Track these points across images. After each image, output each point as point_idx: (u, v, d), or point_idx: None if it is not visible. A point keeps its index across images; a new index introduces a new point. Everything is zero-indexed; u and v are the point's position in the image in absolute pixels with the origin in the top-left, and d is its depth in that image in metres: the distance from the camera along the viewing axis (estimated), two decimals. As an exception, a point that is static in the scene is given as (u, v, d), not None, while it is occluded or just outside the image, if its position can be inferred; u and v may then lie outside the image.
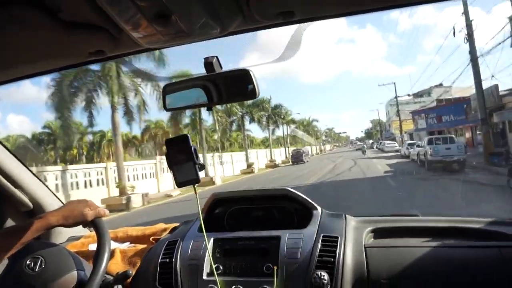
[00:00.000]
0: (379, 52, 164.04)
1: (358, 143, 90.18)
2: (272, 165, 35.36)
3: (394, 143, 42.25)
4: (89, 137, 39.96)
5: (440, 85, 42.06)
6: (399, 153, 31.42)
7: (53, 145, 36.30)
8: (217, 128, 29.55)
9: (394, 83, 45.83)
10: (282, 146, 58.16)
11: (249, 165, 31.45)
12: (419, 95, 52.13)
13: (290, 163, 36.62)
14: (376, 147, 56.04)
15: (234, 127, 36.36)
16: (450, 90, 42.62)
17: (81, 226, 1.20)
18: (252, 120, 36.64)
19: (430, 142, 17.92)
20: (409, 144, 26.42)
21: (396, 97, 43.07)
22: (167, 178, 21.06)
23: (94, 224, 1.19)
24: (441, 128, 30.18)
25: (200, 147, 22.87)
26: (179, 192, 17.35)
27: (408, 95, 46.99)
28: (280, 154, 49.80)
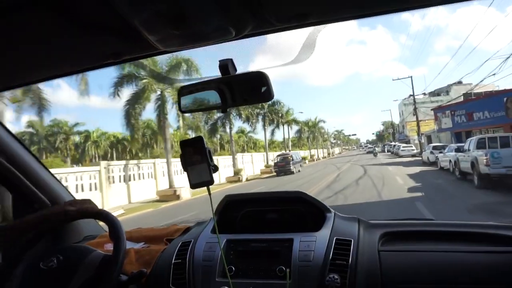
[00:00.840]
0: (390, 54, 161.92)
1: (369, 146, 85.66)
2: (236, 179, 25.36)
3: (411, 147, 37.72)
4: (74, 137, 39.23)
5: (460, 82, 36.92)
6: (418, 158, 26.92)
7: (37, 146, 34.90)
8: (202, 126, 25.16)
9: (411, 77, 37.55)
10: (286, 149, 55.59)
11: (237, 172, 26.20)
12: (436, 93, 47.58)
13: (274, 173, 27.19)
14: (388, 151, 52.12)
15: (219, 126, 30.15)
16: (472, 88, 38.36)
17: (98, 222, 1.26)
18: (239, 117, 30.67)
19: (481, 145, 11.72)
20: (435, 148, 20.79)
21: (413, 94, 36.73)
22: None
23: (101, 215, 1.25)
24: (471, 128, 24.24)
25: (164, 150, 20.86)
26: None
27: (424, 93, 42.04)
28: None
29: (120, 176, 18.28)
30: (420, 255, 1.32)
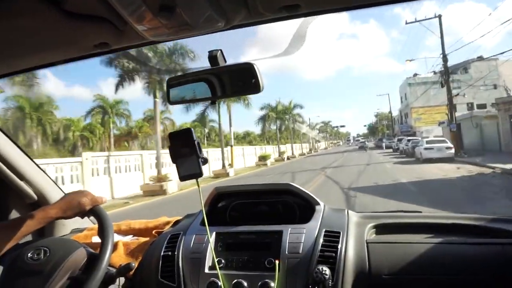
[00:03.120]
0: (382, 49, 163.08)
1: (361, 140, 74.15)
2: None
3: (445, 141, 21.66)
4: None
5: (480, 58, 27.06)
6: (457, 166, 16.51)
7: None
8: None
9: (440, 16, 23.92)
10: (273, 143, 49.83)
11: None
12: (450, 71, 29.03)
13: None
14: (389, 147, 39.91)
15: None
16: (496, 65, 33.63)
17: (85, 218, 1.22)
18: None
19: None
20: None
21: (443, 52, 23.34)
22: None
23: (93, 211, 1.23)
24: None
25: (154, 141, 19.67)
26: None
27: (434, 72, 28.60)
28: (273, 152, 41.57)
29: (104, 168, 17.63)
30: (409, 246, 1.34)
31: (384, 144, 44.80)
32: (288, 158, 41.81)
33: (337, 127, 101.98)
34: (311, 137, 71.53)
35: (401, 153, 29.55)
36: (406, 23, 28.35)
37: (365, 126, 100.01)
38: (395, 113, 60.39)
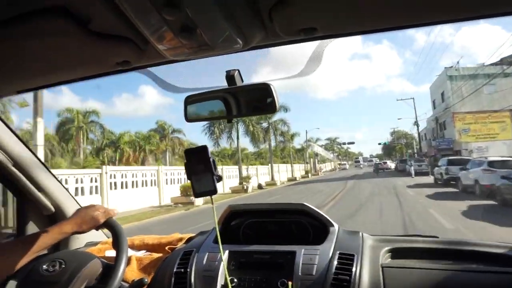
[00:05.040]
0: (395, 69, 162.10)
1: (375, 161, 60.84)
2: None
3: None
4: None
5: None
6: None
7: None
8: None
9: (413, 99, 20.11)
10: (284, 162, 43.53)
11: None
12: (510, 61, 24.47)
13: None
14: (420, 172, 27.98)
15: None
16: None
17: (100, 231, 1.24)
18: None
19: None
20: None
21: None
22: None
23: (107, 224, 1.25)
24: None
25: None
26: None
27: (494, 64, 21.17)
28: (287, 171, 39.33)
29: (122, 182, 18.30)
30: (426, 272, 1.30)
31: (412, 169, 28.05)
32: (260, 187, 28.42)
33: (344, 143, 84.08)
34: (307, 155, 55.03)
35: (463, 189, 15.42)
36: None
37: (379, 144, 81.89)
38: (421, 125, 41.38)
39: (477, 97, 24.88)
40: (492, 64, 21.28)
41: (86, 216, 1.23)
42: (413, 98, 41.49)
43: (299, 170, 49.20)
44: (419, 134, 41.36)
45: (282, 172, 41.22)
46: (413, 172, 27.46)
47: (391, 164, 49.74)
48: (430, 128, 39.88)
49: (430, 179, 23.20)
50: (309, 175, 46.55)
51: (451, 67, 29.51)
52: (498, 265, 1.33)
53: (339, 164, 74.16)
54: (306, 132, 51.56)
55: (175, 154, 34.60)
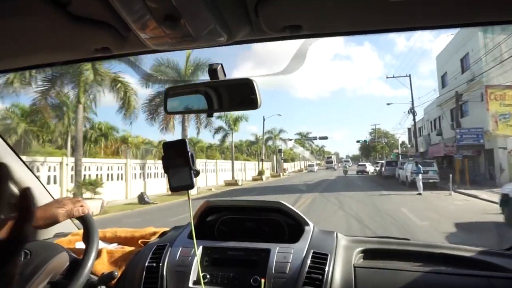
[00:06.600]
0: (375, 72, 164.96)
1: (347, 164, 46.07)
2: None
3: None
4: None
5: None
6: None
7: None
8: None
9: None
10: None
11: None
12: None
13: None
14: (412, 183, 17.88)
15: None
16: None
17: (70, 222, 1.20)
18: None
19: None
20: None
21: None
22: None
23: (84, 218, 1.20)
24: None
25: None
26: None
27: None
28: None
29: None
30: (396, 273, 1.33)
31: (419, 179, 17.02)
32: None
33: (315, 138, 64.44)
34: (276, 151, 44.90)
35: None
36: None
37: (358, 141, 70.07)
38: (416, 118, 29.14)
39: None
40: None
41: (46, 212, 1.14)
42: (409, 75, 30.97)
43: (254, 169, 39.69)
44: (415, 124, 29.21)
45: (227, 171, 31.99)
46: (421, 185, 16.77)
47: (370, 167, 39.80)
48: (429, 120, 29.76)
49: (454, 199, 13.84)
50: (263, 177, 35.06)
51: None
52: (466, 268, 1.37)
53: (308, 166, 62.60)
54: (264, 119, 38.17)
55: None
